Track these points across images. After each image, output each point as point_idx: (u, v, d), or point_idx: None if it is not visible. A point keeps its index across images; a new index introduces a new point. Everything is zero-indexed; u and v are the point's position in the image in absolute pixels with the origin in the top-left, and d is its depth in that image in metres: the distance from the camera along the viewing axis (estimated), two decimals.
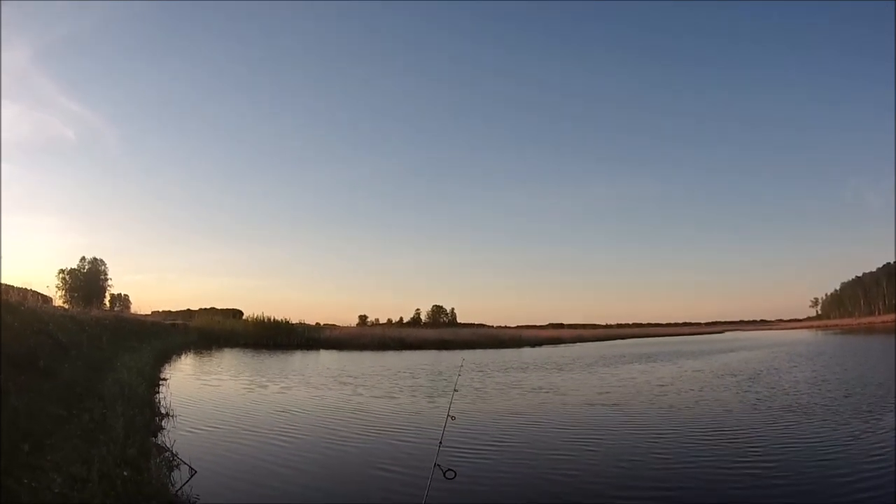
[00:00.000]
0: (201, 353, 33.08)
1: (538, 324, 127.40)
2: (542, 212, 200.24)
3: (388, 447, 9.13)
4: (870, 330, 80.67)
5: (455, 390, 7.05)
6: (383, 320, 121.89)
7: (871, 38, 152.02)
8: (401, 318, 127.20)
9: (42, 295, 25.04)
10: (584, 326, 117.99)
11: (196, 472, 7.19)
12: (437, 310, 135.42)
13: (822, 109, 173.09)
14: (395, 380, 19.58)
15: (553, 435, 10.19)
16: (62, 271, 75.14)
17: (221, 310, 71.99)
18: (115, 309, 72.81)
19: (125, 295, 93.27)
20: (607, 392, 15.81)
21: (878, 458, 7.89)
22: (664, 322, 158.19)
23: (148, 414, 10.30)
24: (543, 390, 16.41)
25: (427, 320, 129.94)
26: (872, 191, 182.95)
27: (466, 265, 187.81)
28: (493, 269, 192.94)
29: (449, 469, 4.02)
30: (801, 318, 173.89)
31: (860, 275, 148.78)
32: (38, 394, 8.09)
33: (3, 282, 19.42)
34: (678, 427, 10.51)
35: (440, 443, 4.83)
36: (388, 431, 10.43)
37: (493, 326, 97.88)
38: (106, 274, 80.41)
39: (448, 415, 5.66)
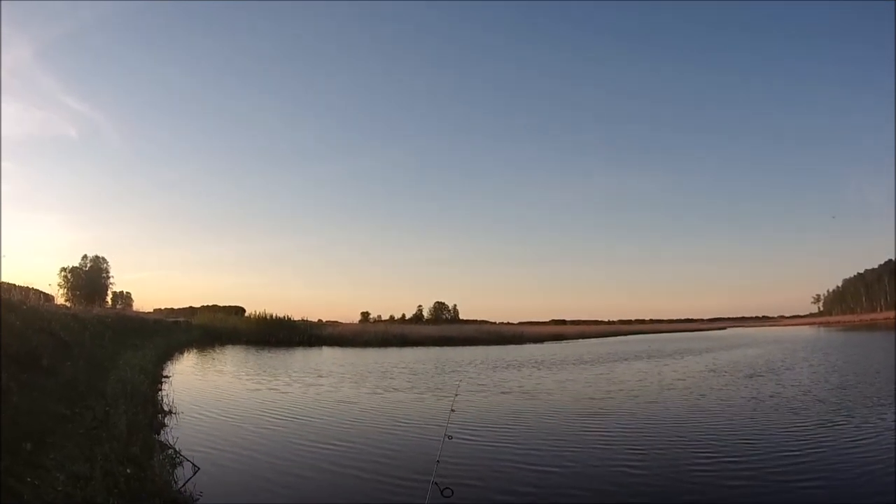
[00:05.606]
0: (203, 351, 33.13)
1: (541, 320, 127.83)
2: (544, 208, 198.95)
3: (387, 451, 8.82)
4: (872, 326, 79.96)
5: (452, 410, 6.36)
6: (385, 317, 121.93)
7: (874, 36, 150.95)
8: (403, 315, 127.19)
9: (44, 293, 25.12)
10: (586, 322, 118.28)
11: (199, 469, 7.19)
12: (440, 306, 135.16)
13: (824, 108, 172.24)
14: (395, 378, 19.56)
15: (550, 443, 9.48)
16: (64, 269, 75.12)
17: (224, 307, 72.15)
18: (118, 307, 72.90)
19: (127, 293, 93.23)
20: (611, 397, 14.66)
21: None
22: (666, 318, 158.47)
23: (150, 411, 10.32)
24: (541, 394, 15.75)
25: (429, 317, 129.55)
26: (874, 188, 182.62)
27: (469, 263, 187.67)
28: (495, 267, 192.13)
29: (447, 487, 3.87)
30: (802, 314, 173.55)
31: (862, 271, 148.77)
32: (41, 392, 8.10)
33: (5, 280, 19.47)
34: (683, 435, 9.80)
35: (437, 461, 4.63)
36: (388, 435, 10.15)
37: (495, 323, 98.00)
38: (108, 272, 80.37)
39: (445, 434, 5.28)
